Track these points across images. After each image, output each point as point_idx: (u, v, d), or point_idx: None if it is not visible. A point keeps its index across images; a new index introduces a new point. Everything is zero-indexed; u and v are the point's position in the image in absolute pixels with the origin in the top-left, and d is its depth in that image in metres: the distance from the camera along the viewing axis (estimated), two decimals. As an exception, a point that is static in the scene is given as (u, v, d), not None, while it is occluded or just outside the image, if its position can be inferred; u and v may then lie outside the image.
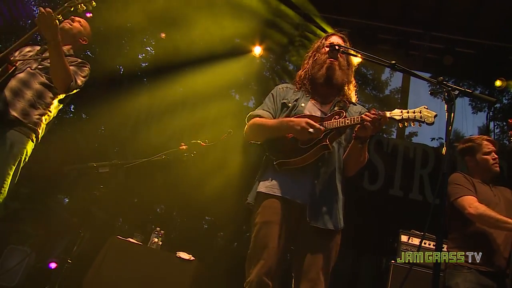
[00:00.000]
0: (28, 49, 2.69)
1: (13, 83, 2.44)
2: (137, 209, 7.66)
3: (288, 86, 2.24)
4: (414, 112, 1.77)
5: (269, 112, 2.13)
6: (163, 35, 6.84)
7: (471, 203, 2.54)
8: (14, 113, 2.38)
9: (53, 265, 5.08)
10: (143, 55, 9.10)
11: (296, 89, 2.19)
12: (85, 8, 2.46)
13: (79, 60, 2.68)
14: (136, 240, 3.72)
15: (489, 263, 2.46)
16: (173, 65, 6.68)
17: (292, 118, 2.00)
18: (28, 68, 2.53)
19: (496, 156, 2.78)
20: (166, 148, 3.00)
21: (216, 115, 6.84)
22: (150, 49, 9.02)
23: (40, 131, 2.54)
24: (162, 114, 7.11)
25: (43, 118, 2.54)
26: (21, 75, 2.49)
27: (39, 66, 2.55)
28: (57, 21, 2.33)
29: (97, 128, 7.75)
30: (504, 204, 2.66)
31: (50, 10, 2.30)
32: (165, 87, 7.06)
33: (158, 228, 3.87)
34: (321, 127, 1.89)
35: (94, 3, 2.47)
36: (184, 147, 3.00)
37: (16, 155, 2.39)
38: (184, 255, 3.55)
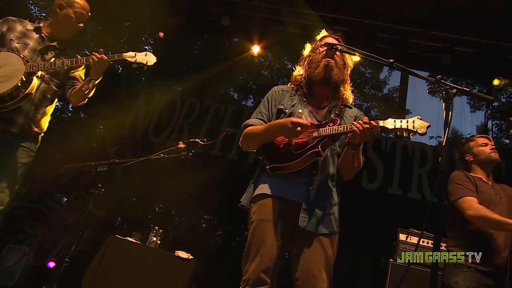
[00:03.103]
0: (19, 28, 2.57)
1: (35, 95, 2.50)
2: (135, 208, 7.67)
3: (285, 89, 2.21)
4: (407, 122, 1.77)
5: (262, 120, 2.11)
6: (161, 34, 6.82)
7: (471, 205, 2.52)
8: (35, 129, 2.52)
9: (51, 264, 5.08)
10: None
11: (293, 93, 2.17)
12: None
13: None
14: (135, 239, 3.71)
15: (488, 262, 2.45)
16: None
17: (277, 120, 2.01)
18: (44, 75, 2.53)
19: (493, 146, 2.83)
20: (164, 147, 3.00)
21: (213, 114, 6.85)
22: (149, 47, 9.03)
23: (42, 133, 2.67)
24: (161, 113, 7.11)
25: (47, 122, 2.69)
26: (41, 86, 2.54)
27: (50, 70, 2.53)
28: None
29: (96, 127, 7.74)
30: (506, 202, 2.66)
31: (106, 58, 2.44)
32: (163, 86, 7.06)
33: (156, 227, 3.87)
34: (308, 122, 1.89)
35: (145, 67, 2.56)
36: (182, 145, 3.00)
37: (27, 164, 2.54)
38: (182, 254, 3.54)
